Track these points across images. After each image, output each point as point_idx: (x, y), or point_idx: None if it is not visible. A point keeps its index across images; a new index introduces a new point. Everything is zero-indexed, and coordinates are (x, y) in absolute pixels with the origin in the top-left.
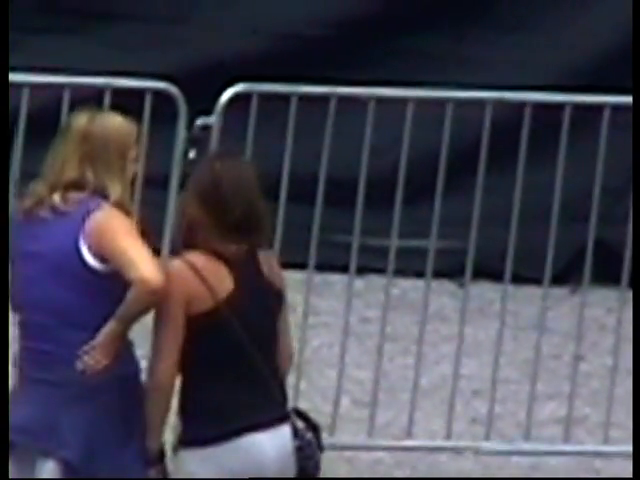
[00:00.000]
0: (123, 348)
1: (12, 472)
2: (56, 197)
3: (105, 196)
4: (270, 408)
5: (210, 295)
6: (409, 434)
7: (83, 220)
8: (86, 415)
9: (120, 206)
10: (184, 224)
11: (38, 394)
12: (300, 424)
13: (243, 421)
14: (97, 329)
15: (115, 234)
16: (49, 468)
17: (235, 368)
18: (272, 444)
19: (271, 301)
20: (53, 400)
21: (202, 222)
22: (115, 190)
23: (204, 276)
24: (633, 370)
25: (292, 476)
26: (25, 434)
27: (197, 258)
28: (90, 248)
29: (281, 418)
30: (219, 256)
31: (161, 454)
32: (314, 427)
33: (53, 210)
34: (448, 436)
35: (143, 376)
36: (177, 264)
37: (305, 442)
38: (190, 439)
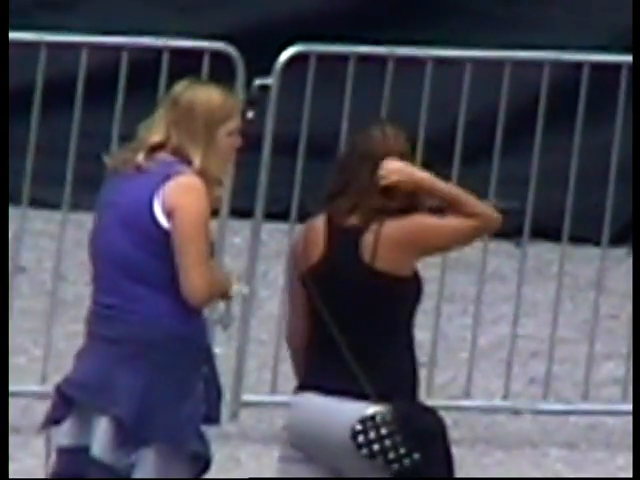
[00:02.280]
0: (187, 308)
1: (71, 428)
2: (140, 156)
3: (189, 162)
4: (338, 379)
5: (305, 261)
6: (467, 394)
7: (163, 180)
8: (141, 373)
9: (203, 175)
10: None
11: (98, 350)
12: (379, 417)
13: (305, 380)
14: (158, 286)
15: (185, 218)
16: (103, 425)
17: (315, 335)
18: (318, 410)
19: (364, 286)
20: (110, 357)
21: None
22: (197, 158)
23: (307, 238)
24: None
25: (349, 455)
26: (83, 390)
27: (317, 220)
28: (163, 208)
29: (354, 393)
30: (329, 222)
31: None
32: (427, 426)
33: (137, 168)
34: (506, 396)
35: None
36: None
37: (368, 430)
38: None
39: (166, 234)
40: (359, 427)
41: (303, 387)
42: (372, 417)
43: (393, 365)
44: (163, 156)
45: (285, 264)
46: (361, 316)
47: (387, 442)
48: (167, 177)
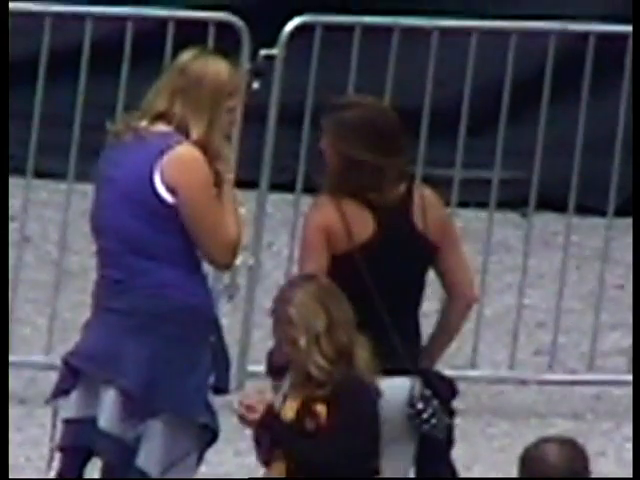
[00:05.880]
0: (193, 280)
1: (78, 399)
2: (142, 124)
3: (188, 134)
4: (380, 355)
5: (347, 239)
6: (473, 365)
7: (161, 152)
8: (149, 345)
9: (200, 146)
10: (338, 167)
11: (106, 323)
12: (427, 392)
13: None
14: (163, 259)
15: (189, 195)
16: (110, 396)
17: (356, 312)
18: None
19: (417, 254)
20: (118, 329)
21: (370, 165)
22: (198, 129)
23: (346, 218)
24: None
25: (398, 427)
26: (90, 362)
27: (346, 201)
28: (163, 180)
29: (391, 368)
30: (369, 204)
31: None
32: (448, 394)
33: (136, 136)
34: (512, 367)
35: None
36: (324, 198)
37: (427, 407)
38: None
39: (171, 208)
40: (421, 406)
41: None
42: (422, 393)
43: (418, 332)
44: (161, 127)
45: (293, 238)
46: (405, 287)
47: (439, 415)
48: (164, 150)
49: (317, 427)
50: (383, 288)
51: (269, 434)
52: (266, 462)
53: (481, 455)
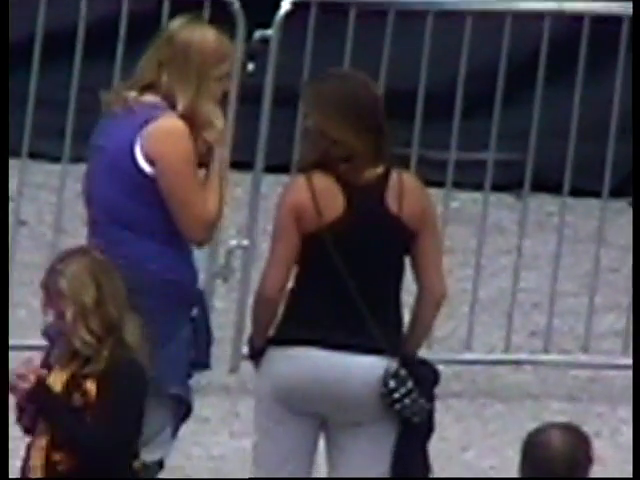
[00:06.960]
0: (173, 253)
1: None
2: (131, 94)
3: (175, 104)
4: (352, 334)
5: (317, 217)
6: (468, 347)
7: (145, 123)
8: None
9: (187, 117)
10: (323, 144)
11: None
12: (402, 371)
13: (309, 334)
14: (144, 231)
15: (166, 167)
16: None
17: (325, 291)
18: (335, 365)
19: (391, 237)
20: None
21: (353, 145)
22: (184, 99)
23: (316, 196)
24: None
25: (375, 408)
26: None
27: (318, 177)
28: (142, 151)
29: (364, 347)
30: (341, 181)
31: (262, 351)
32: (430, 379)
33: (125, 107)
34: (507, 349)
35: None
36: (297, 177)
37: (400, 386)
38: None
39: (151, 180)
40: (393, 384)
41: (302, 341)
42: (397, 372)
43: (399, 317)
44: (150, 98)
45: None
46: (379, 269)
47: (414, 395)
48: (148, 121)
49: (85, 404)
50: (354, 269)
51: (35, 404)
52: (28, 430)
53: (476, 437)
